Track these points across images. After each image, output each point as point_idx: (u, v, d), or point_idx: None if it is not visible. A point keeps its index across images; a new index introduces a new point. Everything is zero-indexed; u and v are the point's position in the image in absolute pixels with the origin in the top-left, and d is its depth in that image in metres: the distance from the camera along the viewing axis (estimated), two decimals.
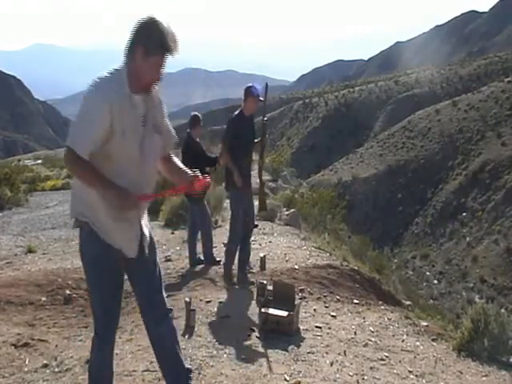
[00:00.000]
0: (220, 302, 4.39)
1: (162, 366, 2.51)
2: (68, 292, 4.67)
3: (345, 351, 3.54)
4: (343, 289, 5.29)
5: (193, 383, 2.88)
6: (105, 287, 2.30)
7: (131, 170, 2.20)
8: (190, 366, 2.62)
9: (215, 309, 4.21)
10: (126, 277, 2.41)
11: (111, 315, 2.37)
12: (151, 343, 2.48)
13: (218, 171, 6.23)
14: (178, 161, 2.50)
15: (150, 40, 2.10)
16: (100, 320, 2.35)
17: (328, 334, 3.88)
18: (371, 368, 3.32)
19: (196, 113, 6.12)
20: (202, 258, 5.92)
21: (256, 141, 5.07)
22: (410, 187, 52.74)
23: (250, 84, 5.00)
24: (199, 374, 2.99)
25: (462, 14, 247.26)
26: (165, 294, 2.53)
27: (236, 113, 4.98)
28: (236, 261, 5.10)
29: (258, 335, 3.68)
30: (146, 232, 2.36)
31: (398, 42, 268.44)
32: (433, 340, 4.13)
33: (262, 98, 4.94)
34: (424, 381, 3.26)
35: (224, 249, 6.39)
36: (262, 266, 5.48)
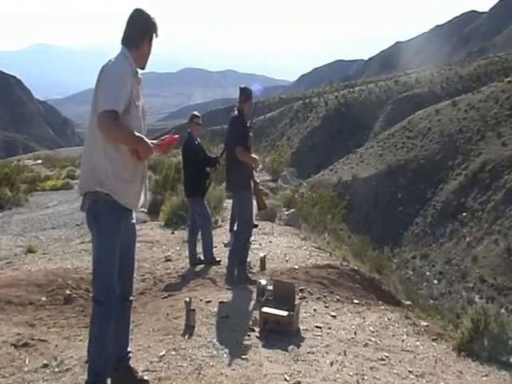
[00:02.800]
0: (220, 302, 4.39)
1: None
2: (68, 292, 4.66)
3: (345, 351, 3.54)
4: (343, 289, 5.29)
5: (192, 382, 2.89)
6: (116, 250, 2.59)
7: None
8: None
9: (215, 309, 4.21)
10: None
11: (115, 278, 2.59)
12: None
13: (218, 171, 6.23)
14: None
15: (154, 29, 2.67)
16: (106, 285, 2.57)
17: (328, 333, 3.88)
18: (371, 368, 3.32)
19: (194, 112, 6.13)
20: (202, 258, 5.92)
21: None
22: (409, 187, 52.74)
23: (247, 86, 5.08)
24: (199, 374, 2.99)
25: (462, 14, 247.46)
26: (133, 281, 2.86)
27: (236, 113, 4.99)
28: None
29: (257, 335, 3.68)
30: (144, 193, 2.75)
31: (397, 42, 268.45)
32: (433, 340, 4.13)
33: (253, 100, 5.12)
34: (424, 381, 3.26)
35: (224, 249, 6.40)
36: (262, 266, 5.48)
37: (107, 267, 2.58)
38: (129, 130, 2.48)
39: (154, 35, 2.69)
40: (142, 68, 2.70)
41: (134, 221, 2.80)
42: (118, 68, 2.51)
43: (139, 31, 2.64)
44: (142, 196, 2.74)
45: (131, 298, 2.86)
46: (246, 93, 4.99)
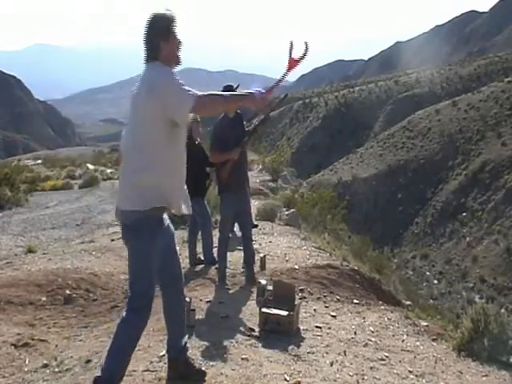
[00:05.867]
0: (220, 302, 4.39)
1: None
2: (68, 292, 4.66)
3: (345, 351, 3.54)
4: (343, 289, 5.29)
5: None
6: (153, 260, 2.56)
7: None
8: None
9: (215, 309, 4.21)
10: None
11: (152, 290, 2.59)
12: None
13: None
14: None
15: (166, 30, 2.54)
16: (145, 296, 2.55)
17: (328, 333, 3.88)
18: (371, 368, 3.32)
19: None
20: (202, 258, 5.92)
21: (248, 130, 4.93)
22: (409, 187, 52.74)
23: (225, 84, 4.94)
24: None
25: (462, 14, 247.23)
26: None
27: (220, 117, 4.94)
28: (235, 261, 5.10)
29: (257, 335, 3.68)
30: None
31: (397, 42, 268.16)
32: (433, 340, 4.13)
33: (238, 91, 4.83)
34: (424, 381, 3.26)
35: None
36: (262, 266, 5.48)
37: (149, 278, 2.58)
38: (226, 96, 2.59)
39: (171, 29, 2.55)
40: (175, 66, 2.63)
41: (167, 221, 2.74)
42: (173, 75, 2.51)
43: (151, 38, 2.56)
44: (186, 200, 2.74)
45: (183, 295, 2.85)
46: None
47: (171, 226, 2.77)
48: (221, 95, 2.56)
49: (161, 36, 2.53)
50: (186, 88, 2.45)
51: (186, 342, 2.89)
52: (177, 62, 2.62)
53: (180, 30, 2.60)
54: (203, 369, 2.93)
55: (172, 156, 2.57)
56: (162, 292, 2.77)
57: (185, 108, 2.45)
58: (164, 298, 2.79)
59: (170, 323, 2.84)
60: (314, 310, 4.42)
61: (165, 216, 2.71)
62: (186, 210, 2.70)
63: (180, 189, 2.67)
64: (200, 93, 2.47)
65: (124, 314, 2.58)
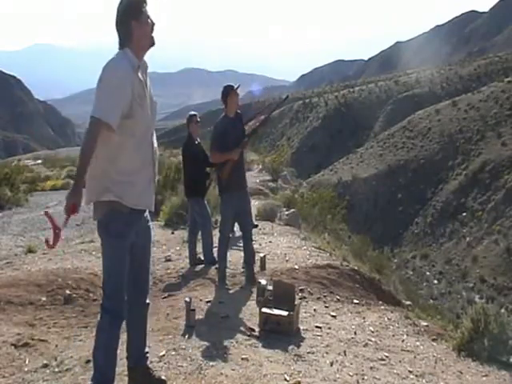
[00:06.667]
0: (220, 302, 4.39)
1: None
2: (68, 292, 4.66)
3: (345, 351, 3.54)
4: (343, 289, 5.29)
5: (192, 382, 2.89)
6: (125, 259, 2.53)
7: (145, 141, 2.55)
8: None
9: (215, 309, 4.21)
10: None
11: (124, 289, 2.56)
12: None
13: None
14: None
15: (137, 10, 2.48)
16: (117, 295, 2.52)
17: (328, 333, 3.88)
18: (371, 368, 3.32)
19: (191, 112, 6.11)
20: (202, 258, 5.93)
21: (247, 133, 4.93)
22: (409, 187, 52.70)
23: (227, 84, 4.93)
24: (199, 374, 2.99)
25: (462, 14, 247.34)
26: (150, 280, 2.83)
27: (220, 117, 4.93)
28: (235, 262, 5.10)
29: (257, 335, 3.68)
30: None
31: (398, 42, 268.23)
32: (433, 340, 4.13)
33: (238, 91, 4.85)
34: (424, 381, 3.26)
35: None
36: (262, 266, 5.48)
37: (119, 278, 2.53)
38: (90, 160, 2.31)
39: (141, 9, 2.49)
40: (149, 47, 2.56)
41: (149, 223, 2.70)
42: (117, 73, 2.39)
43: (122, 19, 2.49)
44: (153, 196, 2.63)
45: (147, 300, 2.77)
46: (221, 95, 4.83)
47: (151, 230, 2.73)
48: (91, 158, 2.31)
49: (132, 15, 2.47)
50: (112, 99, 2.33)
51: (147, 352, 2.80)
52: (151, 42, 2.56)
53: (153, 13, 2.54)
54: (163, 378, 2.81)
55: (115, 148, 2.44)
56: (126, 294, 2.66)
57: (93, 112, 2.33)
58: (128, 301, 2.68)
59: (132, 326, 2.74)
60: (314, 309, 4.42)
61: (146, 215, 2.65)
62: (138, 206, 2.53)
63: (133, 184, 2.50)
64: (110, 122, 2.31)
65: (99, 317, 2.58)
